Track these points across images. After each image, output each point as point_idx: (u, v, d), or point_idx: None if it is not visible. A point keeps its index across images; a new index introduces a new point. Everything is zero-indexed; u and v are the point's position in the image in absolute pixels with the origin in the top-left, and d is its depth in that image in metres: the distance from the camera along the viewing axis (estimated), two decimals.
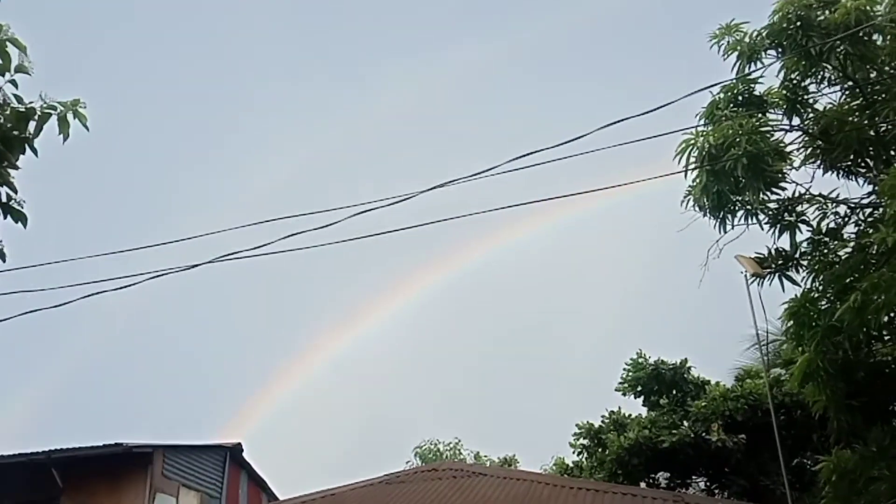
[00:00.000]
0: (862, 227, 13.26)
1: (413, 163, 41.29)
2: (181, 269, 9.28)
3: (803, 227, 13.56)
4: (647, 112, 9.18)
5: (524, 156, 9.25)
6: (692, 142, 12.89)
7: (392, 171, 40.54)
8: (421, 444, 40.20)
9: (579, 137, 9.07)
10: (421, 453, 39.79)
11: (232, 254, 9.04)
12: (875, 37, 12.96)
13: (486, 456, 38.64)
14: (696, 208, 13.51)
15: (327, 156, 41.30)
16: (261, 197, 37.65)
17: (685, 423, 22.41)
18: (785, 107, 13.50)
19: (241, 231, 9.02)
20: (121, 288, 8.97)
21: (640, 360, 24.33)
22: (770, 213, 13.61)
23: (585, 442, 24.38)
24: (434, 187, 9.84)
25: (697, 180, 13.11)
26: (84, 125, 6.99)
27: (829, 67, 13.35)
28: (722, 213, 13.40)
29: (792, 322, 12.72)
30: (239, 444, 26.95)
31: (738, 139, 12.46)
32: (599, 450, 23.86)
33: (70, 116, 6.94)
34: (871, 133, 13.10)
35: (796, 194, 13.52)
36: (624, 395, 24.50)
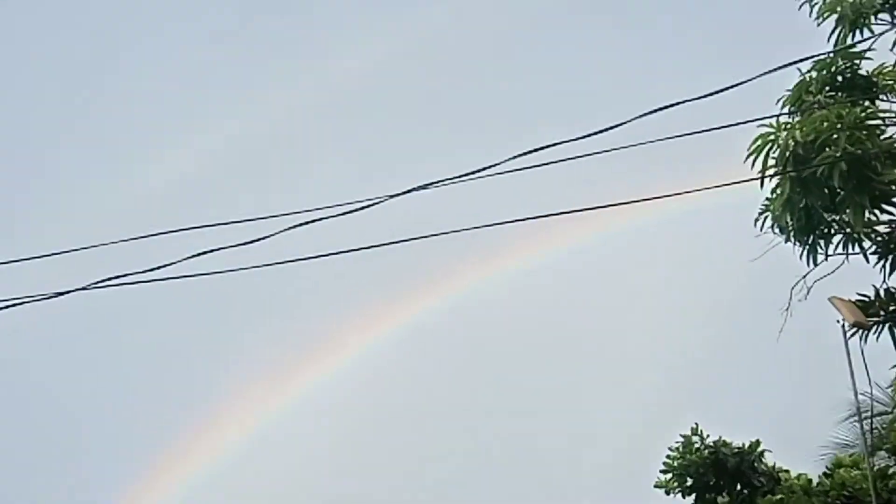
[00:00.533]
0: None
1: (382, 151, 41.36)
2: (40, 298, 9.27)
3: None
4: (708, 95, 9.20)
5: (534, 151, 9.26)
6: (771, 137, 12.98)
7: (350, 164, 40.60)
8: None
9: (611, 128, 9.10)
10: None
11: (113, 277, 9.02)
12: None
13: None
14: (776, 230, 13.61)
15: (249, 143, 41.35)
16: (155, 201, 37.63)
17: None
18: None
19: (129, 247, 9.01)
20: None
21: (694, 440, 24.32)
22: (879, 239, 13.71)
23: None
24: (408, 191, 9.86)
25: (778, 191, 13.21)
26: None
27: None
28: (812, 237, 13.51)
29: None
30: None
31: (835, 135, 12.56)
32: None
33: None
34: None
35: None
36: (667, 492, 24.44)
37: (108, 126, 44.15)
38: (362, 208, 9.53)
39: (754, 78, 9.24)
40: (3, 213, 40.88)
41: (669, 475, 24.43)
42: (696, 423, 24.61)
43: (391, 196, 9.64)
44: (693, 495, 24.40)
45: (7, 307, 9.31)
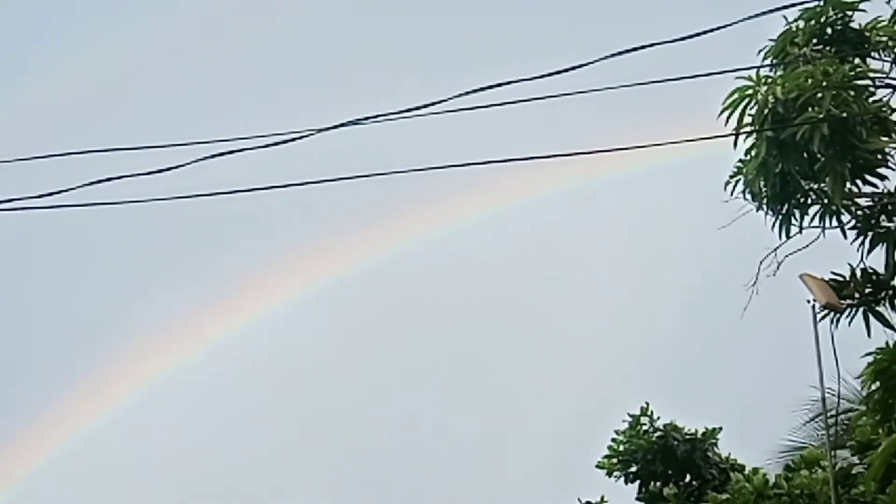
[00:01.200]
0: None
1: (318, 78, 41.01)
2: None
3: None
4: (682, 38, 9.20)
5: (488, 88, 9.24)
6: (749, 92, 13.00)
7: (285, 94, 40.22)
8: None
9: (573, 69, 9.08)
10: None
11: (2, 201, 8.92)
12: None
13: None
14: (748, 195, 13.66)
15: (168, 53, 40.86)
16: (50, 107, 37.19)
17: None
18: None
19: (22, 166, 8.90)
20: None
21: (643, 421, 24.37)
22: (859, 213, 13.80)
23: None
24: (341, 125, 9.81)
25: (753, 153, 13.25)
26: None
27: None
28: (786, 206, 13.55)
29: (878, 384, 12.90)
30: None
31: (819, 94, 12.60)
32: None
33: None
34: None
35: None
36: (609, 475, 24.58)
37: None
38: (287, 141, 9.46)
39: (735, 23, 9.22)
40: None
41: (614, 459, 24.51)
42: (647, 403, 24.63)
43: (320, 130, 9.58)
44: (637, 483, 24.52)
45: None
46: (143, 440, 44.22)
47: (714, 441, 24.31)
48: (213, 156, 9.36)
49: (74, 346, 44.57)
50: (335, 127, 9.76)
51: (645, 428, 24.42)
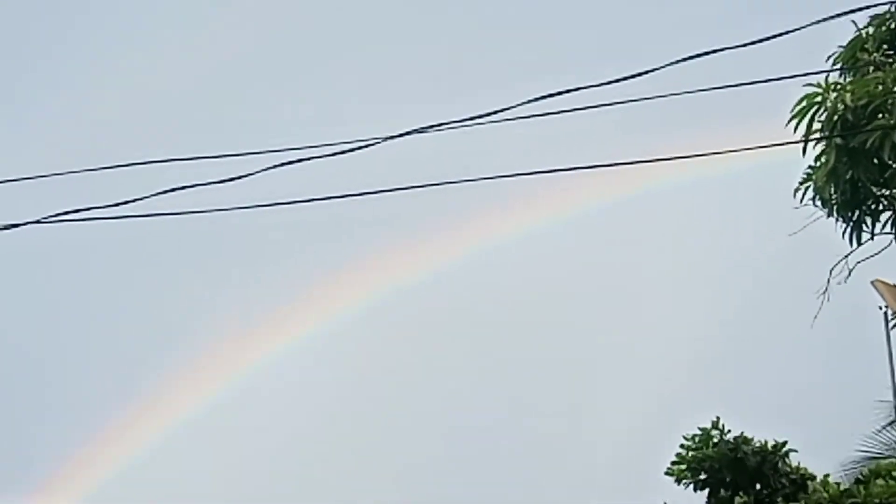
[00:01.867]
0: None
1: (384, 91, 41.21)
2: None
3: None
4: (749, 44, 9.12)
5: (547, 97, 9.19)
6: (818, 99, 12.87)
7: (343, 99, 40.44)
8: None
9: (639, 75, 9.03)
10: None
11: (71, 211, 8.96)
12: None
13: None
14: (818, 202, 13.53)
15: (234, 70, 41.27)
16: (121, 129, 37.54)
17: None
18: None
19: (78, 179, 8.94)
20: None
21: (713, 433, 24.29)
22: None
23: None
24: (406, 133, 9.80)
25: (823, 160, 13.12)
26: None
27: None
28: (857, 213, 13.41)
29: None
30: None
31: (889, 101, 12.46)
32: None
33: None
34: None
35: None
36: (678, 481, 24.51)
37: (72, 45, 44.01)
38: (354, 149, 9.46)
39: (802, 28, 9.15)
40: None
41: (683, 466, 24.44)
42: (718, 417, 24.65)
43: (387, 138, 9.57)
44: (706, 490, 24.44)
45: None
46: (208, 449, 44.56)
47: (785, 453, 24.15)
48: (277, 165, 9.38)
49: (139, 356, 45.00)
50: (400, 136, 9.75)
51: (715, 440, 24.34)
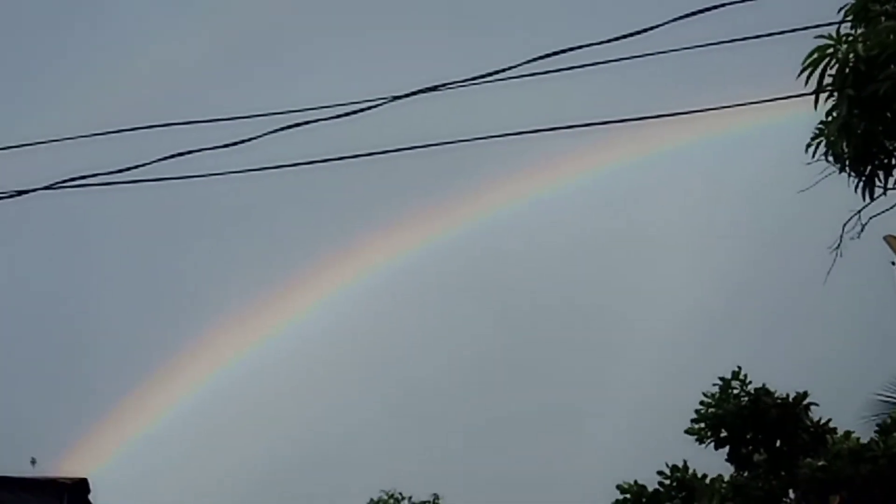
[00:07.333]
0: None
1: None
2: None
3: None
4: None
5: (558, 53, 9.12)
6: (830, 50, 12.74)
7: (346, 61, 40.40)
8: (377, 501, 40.21)
9: (646, 31, 8.96)
10: None
11: (80, 177, 8.94)
12: None
13: None
14: (830, 157, 13.41)
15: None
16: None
17: (791, 495, 22.30)
18: None
19: (91, 143, 8.91)
20: None
21: (734, 386, 24.14)
22: None
23: None
24: (413, 93, 9.74)
25: (835, 112, 13.00)
26: None
27: None
28: (869, 167, 13.30)
29: None
30: (83, 480, 29.04)
31: None
32: None
33: None
34: None
35: None
36: (700, 441, 24.44)
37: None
38: (360, 111, 9.40)
39: None
40: None
41: (703, 424, 24.33)
42: (738, 367, 24.37)
43: (393, 98, 9.51)
44: (727, 447, 24.35)
45: None
46: (229, 421, 44.88)
47: (806, 405, 24.03)
48: (284, 128, 9.33)
49: (157, 326, 45.26)
50: (408, 95, 9.69)
51: (736, 392, 24.19)
